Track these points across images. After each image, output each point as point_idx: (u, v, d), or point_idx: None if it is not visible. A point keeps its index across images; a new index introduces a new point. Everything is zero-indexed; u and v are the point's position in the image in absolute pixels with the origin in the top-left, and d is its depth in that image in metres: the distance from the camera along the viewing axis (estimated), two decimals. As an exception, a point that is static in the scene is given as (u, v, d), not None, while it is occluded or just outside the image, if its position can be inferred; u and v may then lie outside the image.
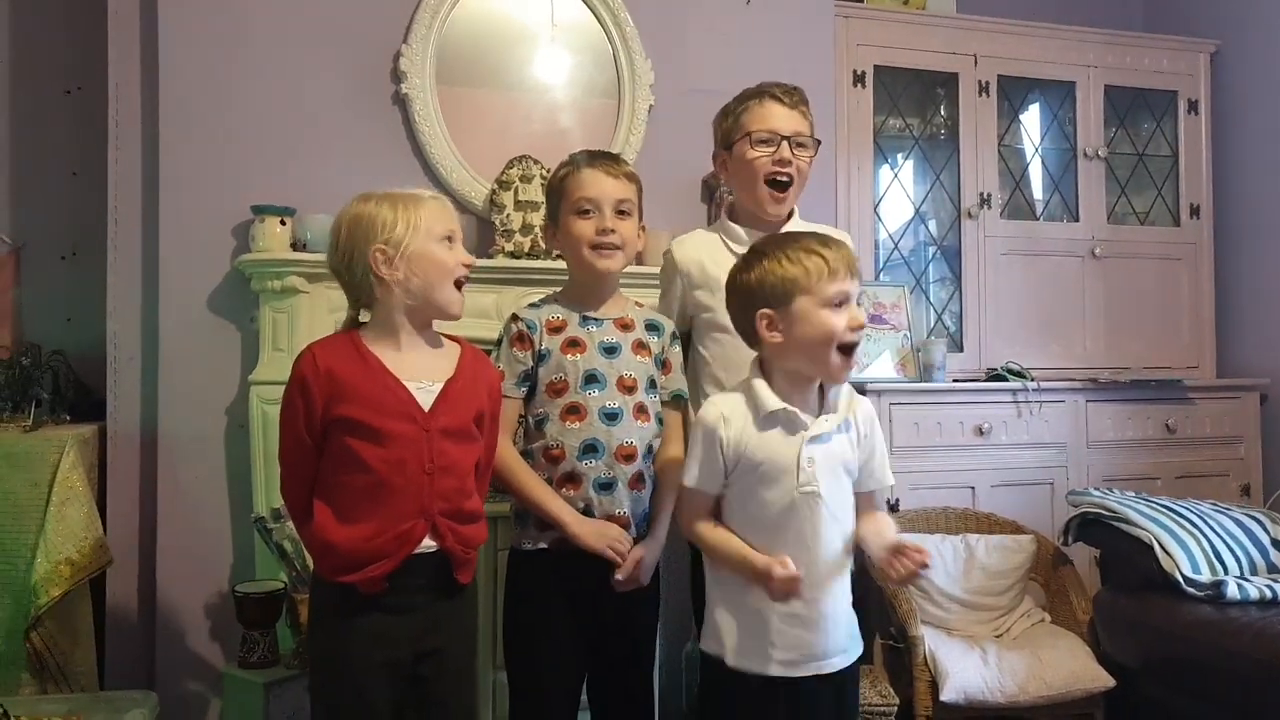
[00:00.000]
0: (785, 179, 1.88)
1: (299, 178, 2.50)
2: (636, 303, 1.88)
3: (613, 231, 1.74)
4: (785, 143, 1.87)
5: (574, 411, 1.71)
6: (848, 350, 1.52)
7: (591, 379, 1.72)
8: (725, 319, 1.86)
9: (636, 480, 1.73)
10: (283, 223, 2.41)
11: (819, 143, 1.94)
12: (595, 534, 1.69)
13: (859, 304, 1.57)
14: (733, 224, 1.95)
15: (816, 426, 1.54)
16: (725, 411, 1.55)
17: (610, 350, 1.76)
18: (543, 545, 1.72)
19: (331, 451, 1.55)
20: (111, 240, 2.50)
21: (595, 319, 1.78)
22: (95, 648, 2.34)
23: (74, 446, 2.25)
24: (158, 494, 2.46)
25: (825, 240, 1.55)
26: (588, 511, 1.70)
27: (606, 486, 1.71)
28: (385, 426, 1.52)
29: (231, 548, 2.49)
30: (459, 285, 1.61)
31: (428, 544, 1.55)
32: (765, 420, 1.53)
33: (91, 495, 2.28)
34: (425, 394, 1.57)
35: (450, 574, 1.58)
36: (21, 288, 2.70)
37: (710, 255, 1.91)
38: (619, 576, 1.70)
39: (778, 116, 1.88)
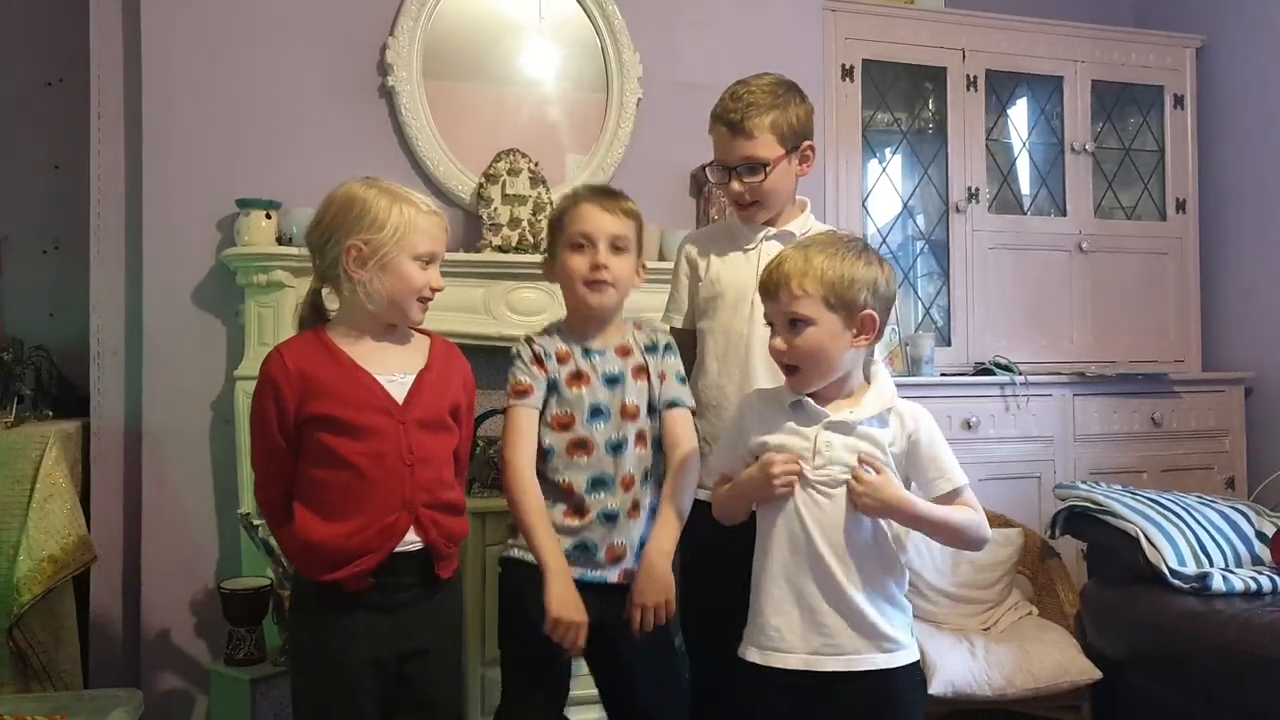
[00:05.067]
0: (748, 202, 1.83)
1: (284, 171, 2.48)
2: (635, 325, 1.84)
3: (605, 268, 1.70)
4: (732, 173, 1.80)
5: (581, 446, 1.68)
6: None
7: (596, 412, 1.70)
8: (727, 317, 1.85)
9: (634, 509, 1.70)
10: (268, 216, 2.40)
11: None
12: (559, 603, 1.59)
13: None
14: (740, 224, 1.90)
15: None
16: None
17: (613, 381, 1.73)
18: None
19: (308, 451, 1.53)
20: (94, 234, 2.47)
21: (597, 350, 1.75)
22: (79, 646, 2.32)
23: (56, 442, 2.22)
24: (142, 490, 2.44)
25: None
26: (589, 546, 1.67)
27: (611, 518, 1.68)
28: (362, 421, 1.51)
29: (217, 544, 2.48)
30: (423, 302, 1.59)
31: (412, 540, 1.54)
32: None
33: (74, 492, 2.26)
34: (397, 386, 1.55)
35: (434, 572, 1.57)
36: (3, 281, 2.67)
37: (720, 252, 1.90)
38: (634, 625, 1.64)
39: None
